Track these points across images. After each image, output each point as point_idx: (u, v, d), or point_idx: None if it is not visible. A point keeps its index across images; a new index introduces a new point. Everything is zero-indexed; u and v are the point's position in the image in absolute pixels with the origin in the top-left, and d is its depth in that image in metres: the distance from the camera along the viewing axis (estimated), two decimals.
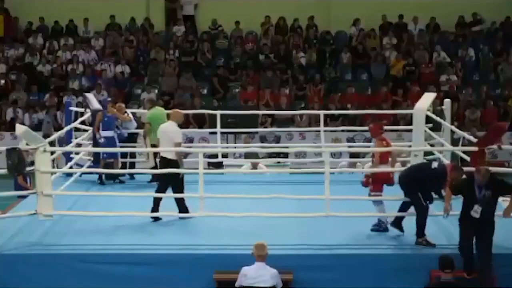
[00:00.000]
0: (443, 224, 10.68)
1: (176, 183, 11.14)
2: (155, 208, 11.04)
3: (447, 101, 14.20)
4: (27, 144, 10.62)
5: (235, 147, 16.09)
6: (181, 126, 11.63)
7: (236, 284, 9.11)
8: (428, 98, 14.20)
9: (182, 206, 11.12)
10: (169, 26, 25.61)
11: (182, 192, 11.09)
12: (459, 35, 24.99)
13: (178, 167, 11.08)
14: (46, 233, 10.52)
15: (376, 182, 10.53)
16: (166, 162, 11.16)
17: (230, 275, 9.26)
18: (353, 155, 15.32)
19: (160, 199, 11.09)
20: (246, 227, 10.55)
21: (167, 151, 11.14)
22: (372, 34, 24.88)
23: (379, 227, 10.49)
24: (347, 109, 21.44)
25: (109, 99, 13.93)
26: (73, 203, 11.89)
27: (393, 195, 10.58)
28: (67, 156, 13.85)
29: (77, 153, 13.89)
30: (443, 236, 10.32)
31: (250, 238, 9.62)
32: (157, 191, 11.18)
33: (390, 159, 10.72)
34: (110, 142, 13.34)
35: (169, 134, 11.33)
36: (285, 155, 18.38)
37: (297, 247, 9.93)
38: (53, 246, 10.02)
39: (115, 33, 25.18)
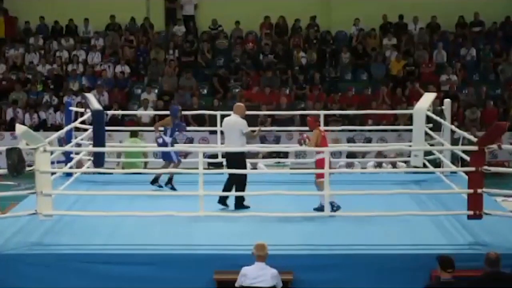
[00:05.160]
0: (443, 224, 10.70)
1: (239, 176, 11.50)
2: (240, 204, 11.48)
3: (447, 101, 14.19)
4: (27, 144, 10.60)
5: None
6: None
7: (236, 284, 9.11)
8: (428, 98, 14.20)
9: (240, 202, 11.53)
10: (169, 26, 25.61)
11: (242, 188, 11.48)
12: (459, 35, 25.00)
13: (244, 160, 11.69)
14: (46, 233, 10.51)
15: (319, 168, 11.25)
16: (233, 156, 11.59)
17: (230, 275, 9.25)
18: (350, 155, 15.33)
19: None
20: (246, 227, 10.55)
21: (231, 145, 11.62)
22: (372, 34, 24.89)
23: (332, 207, 11.03)
24: (346, 109, 21.43)
25: (180, 107, 13.66)
26: (73, 203, 11.90)
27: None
28: (67, 156, 13.85)
29: (77, 153, 13.89)
30: (443, 236, 10.32)
31: (250, 238, 9.61)
32: (237, 190, 11.49)
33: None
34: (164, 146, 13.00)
35: (238, 125, 11.70)
36: (285, 155, 18.41)
37: (297, 247, 9.92)
38: (53, 246, 10.01)
39: (115, 33, 25.19)
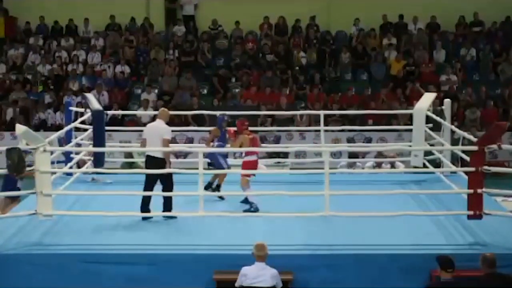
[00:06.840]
0: (443, 224, 10.70)
1: (165, 181, 11.15)
2: (145, 208, 11.03)
3: (447, 101, 14.19)
4: (27, 144, 10.61)
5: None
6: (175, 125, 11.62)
7: (236, 284, 9.11)
8: (428, 98, 14.20)
9: (169, 205, 11.09)
10: (169, 26, 25.62)
11: (171, 191, 11.11)
12: (459, 35, 25.01)
13: (165, 165, 11.09)
14: (46, 233, 10.51)
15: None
16: (153, 161, 11.14)
17: (230, 275, 9.25)
18: (352, 155, 15.32)
19: (150, 198, 11.09)
20: (246, 227, 10.55)
21: (155, 150, 11.10)
22: (372, 34, 24.90)
23: (251, 207, 11.37)
24: (345, 110, 21.45)
25: (226, 117, 13.29)
26: (73, 203, 11.90)
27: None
28: (67, 156, 13.85)
29: (77, 153, 13.89)
30: (443, 236, 10.32)
31: (250, 238, 9.62)
32: (145, 190, 11.16)
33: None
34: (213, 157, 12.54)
35: (160, 131, 11.27)
36: (285, 155, 18.41)
37: (297, 247, 9.92)
38: (53, 246, 10.01)
39: (115, 33, 25.19)
